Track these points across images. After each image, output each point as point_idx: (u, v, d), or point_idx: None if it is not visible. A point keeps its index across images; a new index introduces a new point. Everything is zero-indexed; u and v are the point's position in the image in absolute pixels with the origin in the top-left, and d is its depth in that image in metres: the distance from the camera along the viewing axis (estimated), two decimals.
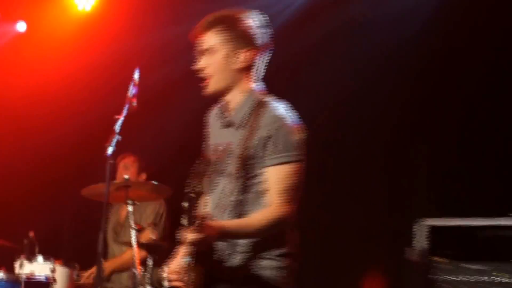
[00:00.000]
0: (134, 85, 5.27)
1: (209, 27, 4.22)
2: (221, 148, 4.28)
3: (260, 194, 4.10)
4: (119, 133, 5.36)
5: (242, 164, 4.12)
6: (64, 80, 8.27)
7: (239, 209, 4.11)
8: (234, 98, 4.28)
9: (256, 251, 4.12)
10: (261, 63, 4.31)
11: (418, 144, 7.60)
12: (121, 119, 5.46)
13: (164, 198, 7.34)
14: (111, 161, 5.38)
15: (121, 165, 7.38)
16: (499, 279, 5.55)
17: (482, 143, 7.05)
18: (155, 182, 6.55)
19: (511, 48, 7.06)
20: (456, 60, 7.25)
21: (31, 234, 7.19)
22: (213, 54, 4.21)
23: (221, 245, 4.10)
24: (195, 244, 3.80)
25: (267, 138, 4.08)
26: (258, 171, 4.12)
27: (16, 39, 8.64)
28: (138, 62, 5.05)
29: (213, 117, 4.47)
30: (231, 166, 4.15)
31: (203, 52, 4.23)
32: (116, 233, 7.46)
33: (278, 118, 4.13)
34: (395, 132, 7.64)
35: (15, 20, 10.11)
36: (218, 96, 4.30)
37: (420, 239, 5.91)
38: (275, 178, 4.04)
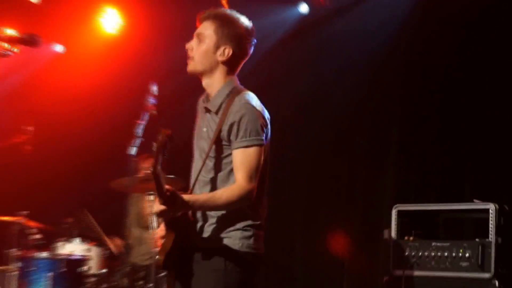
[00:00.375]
0: (152, 97, 5.36)
1: (208, 17, 4.17)
2: (204, 130, 4.22)
3: (230, 173, 4.06)
4: (141, 136, 5.45)
5: (215, 146, 4.08)
6: (93, 90, 8.26)
7: (212, 185, 4.07)
8: (212, 87, 4.23)
9: (225, 223, 4.06)
10: (239, 61, 4.21)
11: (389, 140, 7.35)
12: (142, 124, 5.54)
13: (177, 189, 7.35)
14: (134, 159, 5.45)
15: (145, 163, 7.44)
16: (460, 254, 5.51)
17: (450, 140, 6.85)
18: (171, 176, 6.58)
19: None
20: (419, 61, 7.15)
21: (70, 219, 7.24)
22: (202, 41, 4.14)
23: (195, 217, 4.08)
24: (161, 214, 3.82)
25: (233, 124, 4.01)
26: (228, 153, 4.08)
27: (56, 58, 8.53)
28: (154, 76, 5.04)
29: (200, 103, 4.38)
30: (205, 147, 4.14)
31: (196, 35, 4.18)
32: (138, 218, 7.48)
33: (245, 106, 4.06)
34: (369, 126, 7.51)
35: (55, 43, 10.19)
36: (196, 77, 4.23)
37: (393, 222, 5.82)
38: (240, 159, 4.00)
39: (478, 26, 6.66)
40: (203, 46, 4.14)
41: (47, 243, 7.18)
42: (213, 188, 4.06)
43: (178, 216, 3.99)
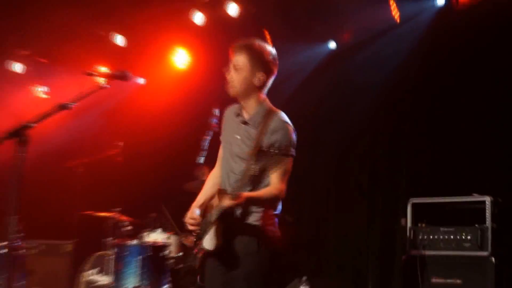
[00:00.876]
0: (215, 118, 5.44)
1: (241, 49, 4.11)
2: (238, 137, 4.17)
3: (261, 174, 4.01)
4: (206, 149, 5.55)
5: (255, 155, 4.01)
6: (168, 112, 8.27)
7: (251, 184, 4.01)
8: (249, 105, 4.18)
9: (260, 214, 4.06)
10: (269, 82, 4.19)
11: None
12: (207, 139, 5.64)
13: None
14: (201, 167, 5.58)
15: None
16: (463, 237, 5.56)
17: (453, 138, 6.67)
18: None
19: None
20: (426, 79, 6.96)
21: (153, 214, 7.34)
22: (238, 71, 4.09)
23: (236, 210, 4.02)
24: (230, 207, 3.84)
25: (275, 137, 4.01)
26: (263, 159, 4.00)
27: (139, 88, 8.67)
28: (216, 101, 5.10)
29: (229, 114, 4.34)
30: (245, 153, 4.07)
31: (233, 66, 4.13)
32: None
33: (284, 125, 4.07)
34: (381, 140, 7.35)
35: (138, 76, 10.27)
36: (235, 99, 4.21)
37: (409, 212, 5.88)
38: (272, 172, 4.00)
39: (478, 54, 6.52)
40: (241, 75, 4.10)
41: (136, 233, 7.31)
42: (246, 186, 4.01)
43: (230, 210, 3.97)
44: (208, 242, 4.05)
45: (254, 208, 4.06)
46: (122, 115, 8.55)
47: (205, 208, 4.23)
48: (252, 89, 4.16)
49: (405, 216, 5.95)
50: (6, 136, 3.76)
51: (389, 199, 6.87)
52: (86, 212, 7.70)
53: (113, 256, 7.05)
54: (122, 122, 8.59)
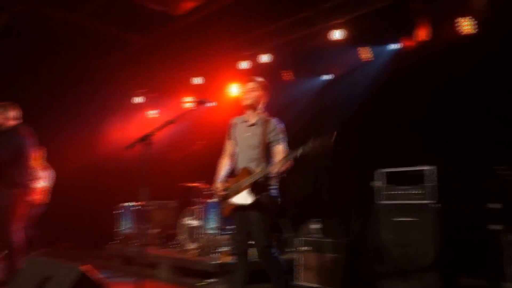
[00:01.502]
0: None
1: (255, 80, 4.21)
2: (246, 135, 4.17)
3: (269, 156, 4.06)
4: None
5: (262, 143, 4.05)
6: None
7: (259, 162, 4.01)
8: (253, 115, 4.20)
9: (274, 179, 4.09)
10: (266, 100, 4.24)
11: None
12: None
13: None
14: None
15: None
16: (414, 192, 5.17)
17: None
18: None
19: None
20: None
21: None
22: (254, 91, 4.17)
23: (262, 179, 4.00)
24: (281, 173, 3.82)
25: (275, 133, 4.05)
26: (268, 147, 4.06)
27: (212, 108, 8.66)
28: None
29: (236, 121, 4.32)
30: (255, 143, 4.07)
31: (250, 89, 4.18)
32: None
33: (278, 125, 4.12)
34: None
35: (209, 101, 10.29)
36: (244, 110, 4.22)
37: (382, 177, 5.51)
38: (278, 149, 4.03)
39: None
40: (254, 95, 4.17)
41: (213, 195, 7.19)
42: (260, 163, 4.02)
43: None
44: (242, 199, 4.04)
45: (272, 177, 4.06)
46: (202, 124, 8.52)
47: (224, 181, 4.26)
48: (259, 103, 4.21)
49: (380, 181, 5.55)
50: (138, 141, 3.99)
51: (364, 168, 6.48)
52: (182, 183, 7.76)
53: (201, 209, 7.04)
54: (203, 127, 8.56)
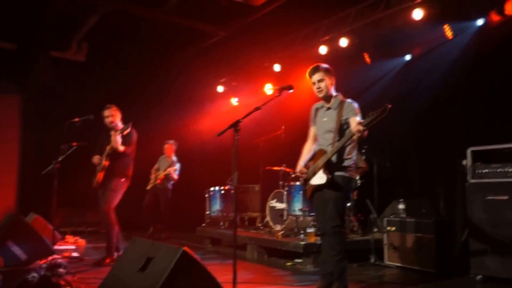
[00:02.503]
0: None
1: (317, 70, 4.14)
2: (324, 120, 4.17)
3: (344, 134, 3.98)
4: None
5: (338, 127, 4.01)
6: (306, 106, 8.38)
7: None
8: (329, 99, 4.17)
9: (349, 160, 4.08)
10: (334, 82, 4.18)
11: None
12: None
13: None
14: None
15: None
16: (508, 169, 4.77)
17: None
18: None
19: None
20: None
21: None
22: (322, 82, 4.11)
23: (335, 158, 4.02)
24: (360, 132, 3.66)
25: (349, 111, 4.00)
26: (344, 127, 4.02)
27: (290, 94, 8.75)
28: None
29: (316, 108, 4.32)
30: (331, 128, 4.06)
31: (319, 81, 4.12)
32: None
33: (351, 103, 4.06)
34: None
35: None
36: (321, 99, 4.20)
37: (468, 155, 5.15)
38: (353, 121, 3.90)
39: None
40: (324, 84, 4.11)
41: (297, 178, 7.00)
42: (337, 140, 3.98)
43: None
44: (318, 179, 4.07)
45: (346, 157, 4.04)
46: (282, 109, 8.47)
47: (306, 164, 4.28)
48: (330, 89, 4.15)
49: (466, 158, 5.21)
50: (228, 128, 4.02)
51: (452, 147, 6.37)
52: (266, 168, 7.83)
53: (285, 192, 7.03)
54: (283, 113, 8.53)
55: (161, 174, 8.85)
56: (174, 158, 9.10)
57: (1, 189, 9.11)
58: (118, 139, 5.69)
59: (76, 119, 5.96)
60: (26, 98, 9.61)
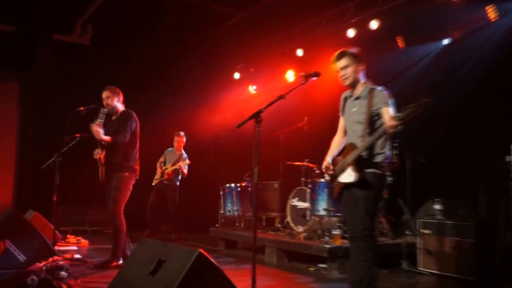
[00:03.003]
0: None
1: (343, 56, 4.05)
2: (353, 110, 4.09)
3: (376, 128, 3.91)
4: None
5: (368, 118, 3.95)
6: (335, 95, 8.30)
7: (369, 135, 3.90)
8: (357, 87, 4.09)
9: (381, 155, 3.99)
10: (365, 69, 4.10)
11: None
12: None
13: None
14: None
15: None
16: None
17: None
18: None
19: None
20: None
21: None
22: (348, 69, 4.03)
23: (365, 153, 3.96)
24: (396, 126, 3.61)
25: (379, 100, 3.91)
26: (375, 118, 3.95)
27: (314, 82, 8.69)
28: None
29: (345, 97, 4.24)
30: (360, 119, 3.99)
31: (344, 67, 4.02)
32: None
33: (382, 91, 3.98)
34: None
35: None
36: (348, 87, 4.12)
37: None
38: (386, 112, 3.84)
39: None
40: (350, 70, 4.03)
41: (322, 174, 6.95)
42: (368, 134, 3.92)
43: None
44: (347, 176, 4.00)
45: (379, 152, 3.98)
46: (306, 100, 8.44)
47: (334, 160, 4.21)
48: (357, 76, 4.07)
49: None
50: (248, 118, 3.97)
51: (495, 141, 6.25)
52: (287, 162, 7.81)
53: (308, 190, 6.99)
54: (307, 103, 8.51)
55: (170, 169, 8.83)
56: (183, 152, 9.07)
57: None
58: (98, 129, 5.61)
59: (81, 108, 5.94)
60: (25, 87, 9.67)
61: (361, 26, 7.85)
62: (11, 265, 4.87)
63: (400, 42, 7.69)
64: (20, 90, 9.73)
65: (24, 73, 9.62)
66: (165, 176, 8.82)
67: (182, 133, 9.08)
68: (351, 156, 3.99)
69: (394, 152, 6.58)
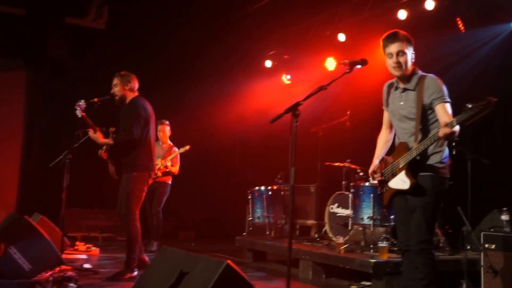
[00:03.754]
0: None
1: (397, 39, 3.95)
2: (399, 104, 4.03)
3: (431, 125, 3.90)
4: None
5: (419, 113, 3.89)
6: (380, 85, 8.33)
7: (419, 134, 3.88)
8: (407, 76, 3.99)
9: (438, 154, 3.95)
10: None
11: None
12: None
13: None
14: None
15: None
16: None
17: None
18: None
19: None
20: None
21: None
22: (403, 55, 3.92)
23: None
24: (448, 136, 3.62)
25: (433, 92, 3.85)
26: (428, 112, 3.90)
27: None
28: None
29: (389, 87, 4.20)
30: (409, 114, 3.95)
31: (398, 52, 3.92)
32: None
33: (433, 81, 3.91)
34: None
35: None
36: (398, 77, 4.03)
37: None
38: (441, 110, 3.80)
39: None
40: (406, 58, 3.94)
41: (366, 177, 6.94)
42: (418, 137, 3.88)
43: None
44: (399, 182, 3.95)
45: (436, 150, 3.92)
46: (348, 94, 8.39)
47: (382, 161, 4.17)
48: (410, 64, 4.01)
49: None
50: (284, 112, 3.91)
51: None
52: (325, 163, 7.74)
53: (350, 195, 6.92)
54: (348, 97, 8.46)
55: (166, 162, 8.44)
56: (170, 143, 8.76)
57: (0, 185, 9.33)
58: (95, 135, 5.66)
59: (95, 99, 5.94)
60: (33, 76, 9.79)
61: (415, 6, 7.74)
62: (15, 274, 4.89)
63: (461, 24, 7.54)
64: (28, 80, 9.88)
65: (32, 61, 9.74)
66: (159, 173, 8.31)
67: (166, 122, 8.76)
68: (403, 159, 3.93)
69: (453, 152, 6.44)
